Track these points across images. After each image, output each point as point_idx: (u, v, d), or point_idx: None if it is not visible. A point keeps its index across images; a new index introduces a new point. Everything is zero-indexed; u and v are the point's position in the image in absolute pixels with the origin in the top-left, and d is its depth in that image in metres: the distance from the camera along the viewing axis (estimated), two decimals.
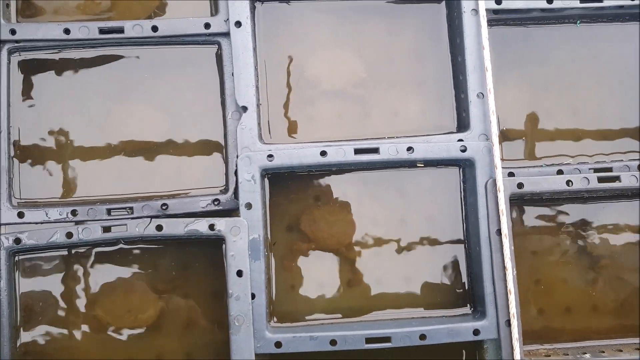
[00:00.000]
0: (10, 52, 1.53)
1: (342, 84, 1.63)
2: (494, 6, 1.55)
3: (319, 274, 1.58)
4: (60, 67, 1.59)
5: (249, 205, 1.47)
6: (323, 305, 1.57)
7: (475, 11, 1.53)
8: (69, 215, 1.48)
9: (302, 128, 1.61)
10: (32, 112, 1.57)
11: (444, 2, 1.63)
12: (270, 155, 1.48)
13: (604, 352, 1.51)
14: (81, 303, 1.53)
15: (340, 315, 1.56)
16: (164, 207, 1.50)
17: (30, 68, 1.58)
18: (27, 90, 1.57)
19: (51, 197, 1.56)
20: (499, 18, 1.60)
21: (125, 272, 1.54)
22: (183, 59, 1.60)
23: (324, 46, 1.62)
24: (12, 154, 1.53)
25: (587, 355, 1.49)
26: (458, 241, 1.59)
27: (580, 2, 1.56)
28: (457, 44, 1.57)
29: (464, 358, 1.55)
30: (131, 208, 1.49)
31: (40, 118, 1.57)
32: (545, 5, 1.56)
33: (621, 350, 1.51)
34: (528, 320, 1.54)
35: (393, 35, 1.63)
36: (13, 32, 1.50)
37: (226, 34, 1.53)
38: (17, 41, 1.52)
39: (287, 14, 1.62)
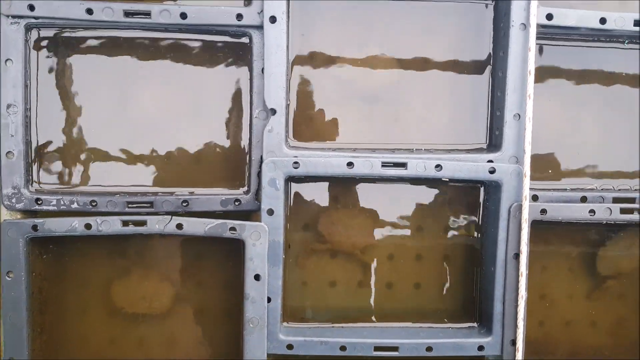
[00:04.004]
0: (28, 29, 1.43)
1: (373, 87, 1.56)
2: (544, 21, 1.46)
3: (331, 273, 1.60)
4: (80, 46, 1.50)
5: (270, 212, 1.45)
6: (332, 303, 1.60)
7: (524, 25, 1.45)
8: (88, 206, 1.46)
9: (329, 130, 1.56)
10: (50, 94, 1.50)
11: (491, 6, 1.54)
12: (295, 163, 1.45)
13: None
14: (96, 288, 1.54)
15: (348, 316, 1.60)
16: (184, 204, 1.48)
17: (48, 46, 1.49)
18: (44, 70, 1.49)
19: (70, 184, 1.52)
20: (545, 32, 1.51)
21: (141, 259, 1.55)
22: (211, 47, 1.51)
23: (359, 46, 1.54)
24: (29, 138, 1.48)
25: None
26: (472, 258, 1.60)
27: (635, 25, 1.48)
28: (500, 57, 1.50)
29: None
30: (151, 202, 1.47)
31: (57, 102, 1.50)
32: (597, 25, 1.47)
33: None
34: (527, 331, 1.58)
35: (431, 39, 1.54)
36: (31, 7, 1.39)
37: (259, 27, 1.44)
38: (35, 17, 1.41)
39: (322, 11, 1.52)
